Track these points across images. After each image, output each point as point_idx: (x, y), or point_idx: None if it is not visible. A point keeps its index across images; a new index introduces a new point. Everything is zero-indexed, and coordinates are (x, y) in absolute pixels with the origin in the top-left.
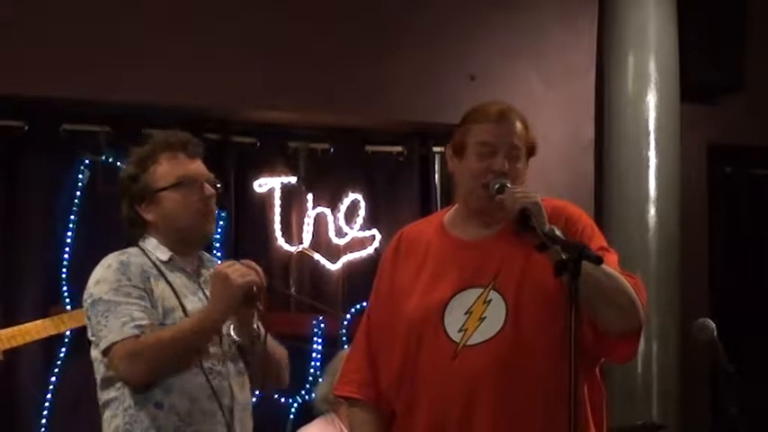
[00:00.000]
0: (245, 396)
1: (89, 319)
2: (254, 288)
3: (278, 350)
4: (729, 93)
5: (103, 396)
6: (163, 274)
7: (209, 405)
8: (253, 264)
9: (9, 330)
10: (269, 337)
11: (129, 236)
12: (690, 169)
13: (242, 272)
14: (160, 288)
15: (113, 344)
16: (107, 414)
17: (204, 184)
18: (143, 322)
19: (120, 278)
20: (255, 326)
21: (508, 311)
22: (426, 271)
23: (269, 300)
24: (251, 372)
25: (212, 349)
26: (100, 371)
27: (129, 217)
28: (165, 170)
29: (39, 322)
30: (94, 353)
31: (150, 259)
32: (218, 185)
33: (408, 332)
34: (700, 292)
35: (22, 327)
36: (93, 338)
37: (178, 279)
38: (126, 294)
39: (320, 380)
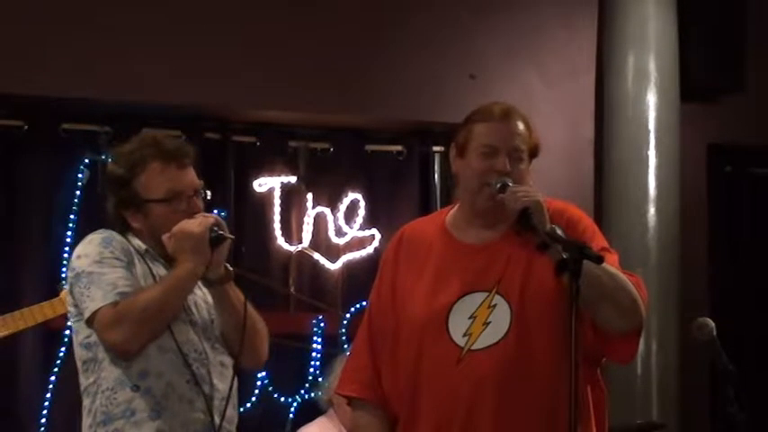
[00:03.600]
0: (225, 386)
1: (72, 294)
2: (214, 227)
3: (258, 320)
4: (729, 93)
5: (84, 381)
6: (143, 259)
7: (188, 391)
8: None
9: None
10: (249, 306)
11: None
12: (690, 169)
13: (196, 221)
14: (140, 269)
15: (95, 312)
16: (87, 400)
17: (193, 198)
18: (126, 289)
19: (102, 251)
20: (227, 267)
21: (512, 316)
22: (429, 273)
23: (269, 299)
24: (224, 312)
25: (190, 335)
26: (80, 355)
27: (114, 216)
28: (156, 182)
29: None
30: (75, 338)
31: (132, 245)
32: (208, 193)
33: (411, 335)
34: (700, 292)
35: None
36: (73, 320)
37: (156, 267)
38: (110, 265)
39: (321, 380)
